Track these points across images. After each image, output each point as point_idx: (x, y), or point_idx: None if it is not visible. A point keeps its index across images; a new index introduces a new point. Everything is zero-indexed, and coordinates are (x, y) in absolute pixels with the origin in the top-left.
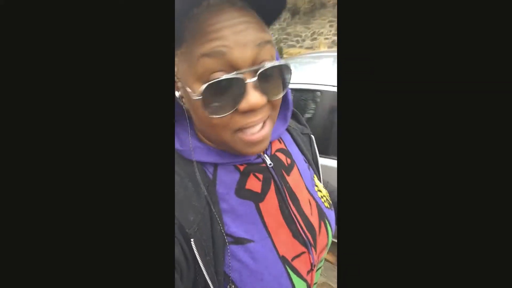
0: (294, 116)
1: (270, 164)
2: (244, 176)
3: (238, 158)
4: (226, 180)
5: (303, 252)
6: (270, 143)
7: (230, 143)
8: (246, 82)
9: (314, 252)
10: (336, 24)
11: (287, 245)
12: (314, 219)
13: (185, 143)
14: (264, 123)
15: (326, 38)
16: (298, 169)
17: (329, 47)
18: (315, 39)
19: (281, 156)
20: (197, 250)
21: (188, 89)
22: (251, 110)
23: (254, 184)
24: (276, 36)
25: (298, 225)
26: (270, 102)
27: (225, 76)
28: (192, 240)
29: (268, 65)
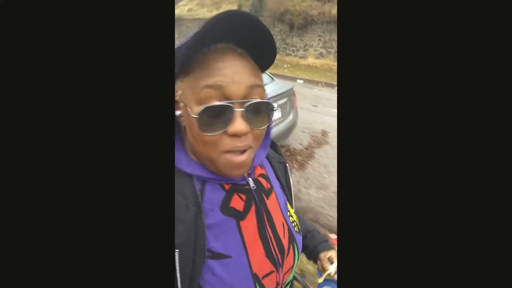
0: (273, 146)
1: (253, 187)
2: (229, 195)
3: (224, 177)
4: (212, 197)
5: (272, 271)
6: (254, 168)
7: (217, 162)
8: (234, 110)
9: (281, 272)
10: (323, 39)
11: (260, 263)
12: (285, 242)
13: (178, 158)
14: (245, 151)
15: (315, 50)
16: (276, 194)
17: (316, 57)
18: (306, 50)
19: (262, 181)
20: (179, 261)
21: (189, 110)
22: (237, 135)
23: (237, 203)
24: (278, 45)
25: (271, 245)
26: (253, 132)
27: (218, 103)
28: (176, 251)
29: (255, 100)
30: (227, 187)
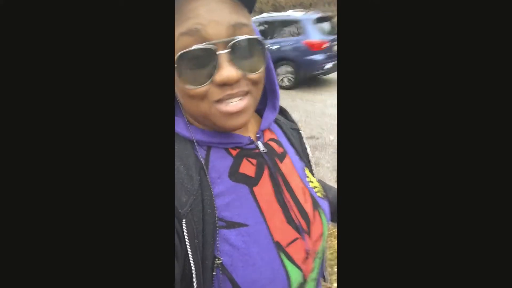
0: (282, 113)
1: (263, 150)
2: (237, 160)
3: (229, 140)
4: (219, 164)
5: (297, 238)
6: (263, 131)
7: (210, 116)
8: (217, 53)
9: (308, 239)
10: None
11: (282, 230)
12: (308, 207)
13: (178, 124)
14: (242, 97)
15: None
16: (291, 159)
17: None
18: None
19: (274, 145)
20: (187, 232)
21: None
22: (226, 84)
23: (247, 168)
24: None
25: (292, 211)
26: (248, 78)
27: (196, 46)
28: (184, 220)
29: (239, 37)
30: (234, 152)
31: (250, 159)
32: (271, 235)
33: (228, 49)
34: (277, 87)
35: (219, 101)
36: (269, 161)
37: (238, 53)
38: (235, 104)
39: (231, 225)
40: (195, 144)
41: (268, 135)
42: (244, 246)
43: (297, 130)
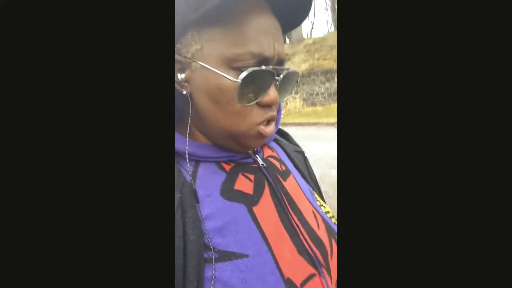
0: (283, 136)
1: (262, 164)
2: (232, 176)
3: (222, 153)
4: (208, 180)
5: (313, 275)
6: (262, 147)
7: (244, 136)
8: (276, 77)
9: (327, 276)
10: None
11: (292, 264)
12: (322, 234)
13: None
14: (272, 120)
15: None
16: (295, 179)
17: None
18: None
19: (275, 162)
20: None
21: (220, 73)
22: (268, 105)
23: (244, 184)
24: None
25: (302, 237)
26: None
27: (265, 67)
28: None
29: (292, 69)
30: (227, 167)
31: (247, 174)
32: (280, 270)
33: (280, 76)
34: (281, 102)
35: (260, 123)
36: (270, 177)
37: (284, 81)
38: (270, 127)
39: (225, 256)
40: (181, 156)
41: (267, 152)
42: (243, 285)
43: (301, 153)
